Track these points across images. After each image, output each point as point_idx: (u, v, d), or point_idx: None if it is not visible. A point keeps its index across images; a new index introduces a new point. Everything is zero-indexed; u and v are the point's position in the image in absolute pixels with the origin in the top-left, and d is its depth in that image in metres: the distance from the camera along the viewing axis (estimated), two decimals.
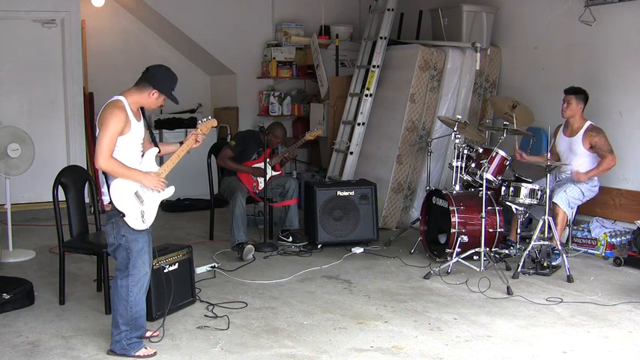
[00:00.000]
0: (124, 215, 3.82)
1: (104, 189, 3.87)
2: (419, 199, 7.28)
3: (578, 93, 5.99)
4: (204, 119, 4.19)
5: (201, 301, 4.89)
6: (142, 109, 4.00)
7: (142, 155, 3.97)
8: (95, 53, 8.59)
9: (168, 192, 4.07)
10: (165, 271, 4.53)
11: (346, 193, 6.46)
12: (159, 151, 4.07)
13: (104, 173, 3.84)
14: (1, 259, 5.92)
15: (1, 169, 6.14)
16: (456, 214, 5.69)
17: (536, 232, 5.58)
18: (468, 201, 5.78)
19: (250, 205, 6.68)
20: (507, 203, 5.75)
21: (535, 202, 5.68)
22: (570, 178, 5.97)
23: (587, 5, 6.41)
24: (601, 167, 5.92)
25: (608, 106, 6.41)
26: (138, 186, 3.90)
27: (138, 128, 3.90)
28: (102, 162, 3.74)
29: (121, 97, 3.86)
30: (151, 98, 3.90)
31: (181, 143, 4.12)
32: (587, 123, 6.01)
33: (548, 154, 5.71)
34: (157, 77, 3.89)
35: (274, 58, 8.81)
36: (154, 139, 4.10)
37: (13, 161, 6.14)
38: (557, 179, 6.13)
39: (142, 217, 3.90)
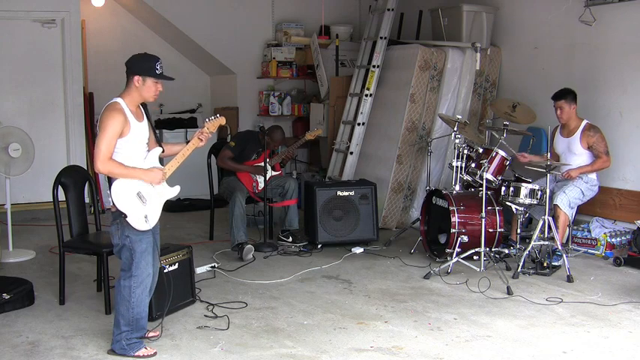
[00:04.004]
0: (126, 216, 3.82)
1: (107, 190, 3.86)
2: (419, 199, 7.28)
3: (566, 96, 5.95)
4: (212, 117, 4.14)
5: (201, 301, 4.89)
6: (145, 109, 4.00)
7: (146, 157, 3.97)
8: (95, 53, 8.58)
9: (173, 192, 4.07)
10: (165, 271, 4.52)
11: (346, 193, 6.46)
12: (162, 151, 4.06)
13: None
14: (1, 259, 5.91)
15: (0, 170, 6.15)
16: (456, 214, 5.69)
17: (536, 232, 5.58)
18: (468, 201, 5.78)
19: (250, 205, 6.68)
20: (507, 203, 5.75)
21: (535, 202, 5.68)
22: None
23: (587, 5, 6.40)
24: (593, 166, 5.93)
25: (608, 106, 6.41)
26: (140, 186, 3.89)
27: (139, 129, 3.90)
28: (100, 165, 3.74)
29: (118, 99, 3.86)
30: (140, 86, 3.85)
31: (187, 143, 4.11)
32: (584, 122, 6.01)
33: (549, 154, 5.71)
34: (132, 64, 3.88)
35: (274, 58, 8.81)
36: (157, 139, 4.09)
37: (14, 161, 6.14)
38: (557, 180, 6.12)
39: (145, 217, 3.89)
